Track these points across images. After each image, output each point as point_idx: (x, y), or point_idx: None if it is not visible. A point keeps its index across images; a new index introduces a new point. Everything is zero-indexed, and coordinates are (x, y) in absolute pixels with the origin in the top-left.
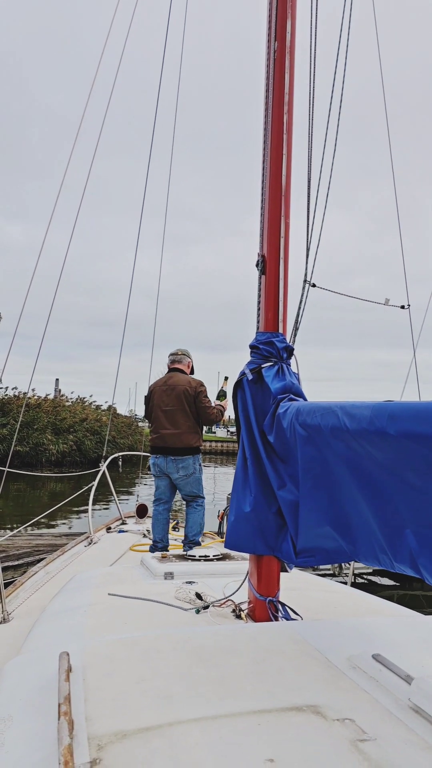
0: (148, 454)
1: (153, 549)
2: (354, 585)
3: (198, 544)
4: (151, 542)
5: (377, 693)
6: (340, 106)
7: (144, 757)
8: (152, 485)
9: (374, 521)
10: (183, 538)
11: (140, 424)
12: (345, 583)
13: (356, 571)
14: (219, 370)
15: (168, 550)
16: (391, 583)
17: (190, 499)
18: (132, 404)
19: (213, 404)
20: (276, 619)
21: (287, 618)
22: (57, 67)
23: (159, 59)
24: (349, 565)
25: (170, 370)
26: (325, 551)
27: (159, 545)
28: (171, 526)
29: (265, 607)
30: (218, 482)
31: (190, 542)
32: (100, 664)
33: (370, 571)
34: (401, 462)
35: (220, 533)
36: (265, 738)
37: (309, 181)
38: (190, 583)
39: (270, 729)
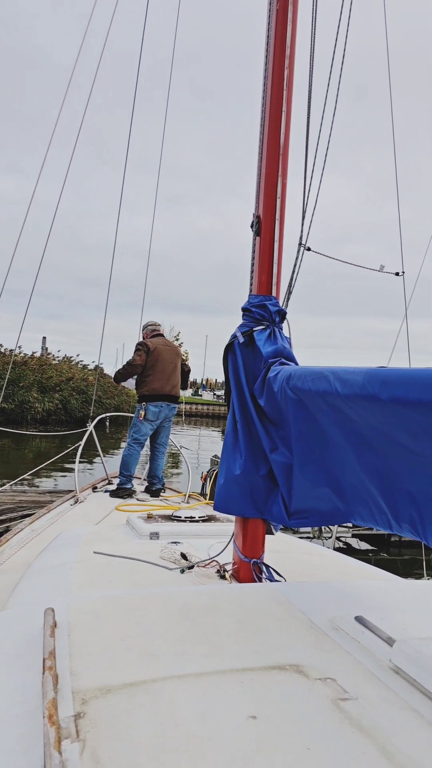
0: (133, 415)
1: (126, 482)
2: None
3: (162, 480)
4: (137, 502)
5: (359, 654)
6: (342, 63)
7: (127, 711)
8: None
9: (371, 483)
10: (150, 477)
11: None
12: (327, 546)
13: (333, 534)
14: (207, 333)
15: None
16: (368, 547)
17: (160, 445)
18: (119, 364)
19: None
20: (260, 580)
21: (271, 579)
22: (55, 11)
23: (157, 10)
24: (330, 528)
25: (157, 335)
26: (319, 512)
27: (131, 479)
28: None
29: (250, 568)
30: (203, 444)
31: (159, 479)
32: (85, 621)
33: (349, 534)
34: (395, 426)
35: (203, 494)
36: (248, 695)
37: (307, 139)
38: (175, 543)
39: (253, 687)
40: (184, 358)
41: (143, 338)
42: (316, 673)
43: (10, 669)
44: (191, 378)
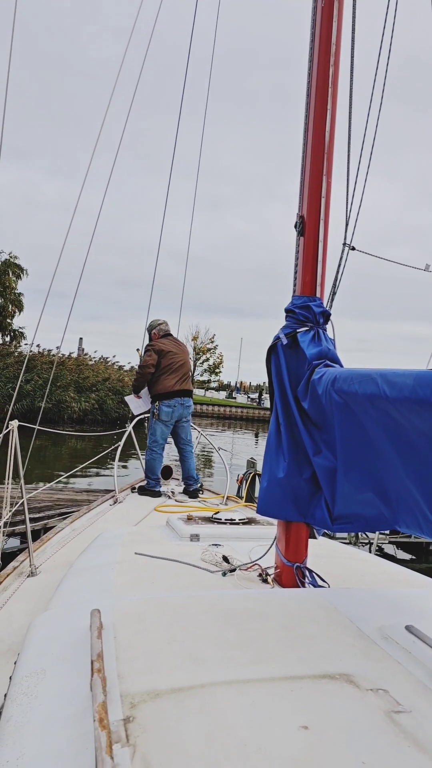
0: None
1: (155, 485)
2: None
3: (198, 480)
4: (175, 503)
5: (410, 665)
6: (387, 62)
7: (177, 717)
8: (173, 445)
9: (417, 490)
10: (185, 479)
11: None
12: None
13: (371, 541)
14: (243, 336)
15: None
16: (405, 555)
17: (186, 445)
18: None
19: None
20: (303, 585)
21: (314, 585)
22: (96, 16)
23: (199, 14)
24: (367, 535)
25: (167, 334)
26: (364, 518)
27: (159, 481)
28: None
29: (293, 572)
30: (236, 446)
31: (195, 480)
32: (131, 623)
33: (386, 541)
34: None
35: (239, 496)
36: (299, 705)
37: (349, 138)
38: (215, 545)
39: (303, 696)
40: (219, 360)
41: (152, 339)
42: (367, 683)
43: (57, 669)
44: (226, 381)
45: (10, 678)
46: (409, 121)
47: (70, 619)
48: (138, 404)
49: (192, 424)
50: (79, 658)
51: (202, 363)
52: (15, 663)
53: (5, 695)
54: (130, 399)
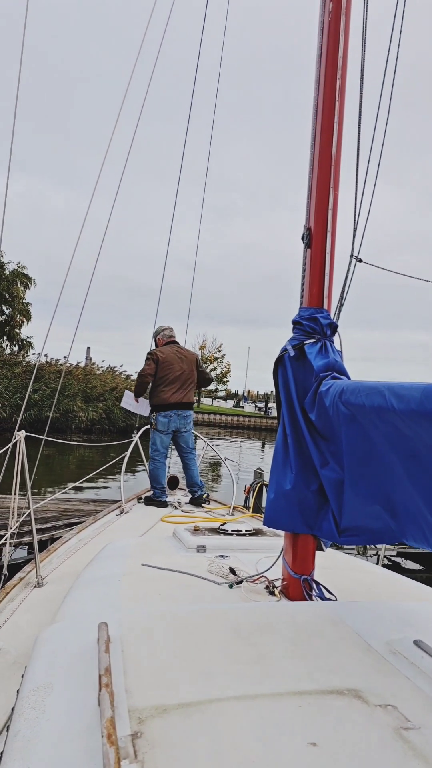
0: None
1: (160, 495)
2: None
3: (202, 486)
4: (182, 513)
5: (419, 680)
6: (394, 73)
7: (185, 733)
8: (178, 457)
9: (424, 503)
10: (189, 486)
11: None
12: (373, 563)
13: (379, 552)
14: (250, 345)
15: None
16: (416, 566)
17: (188, 451)
18: None
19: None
20: (310, 597)
21: (322, 597)
22: (104, 28)
23: (207, 22)
24: (375, 546)
25: (171, 342)
26: (370, 530)
27: (164, 490)
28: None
29: (300, 585)
30: (244, 457)
31: (199, 486)
32: (138, 636)
33: (395, 552)
34: None
35: (246, 506)
36: (307, 720)
37: (358, 148)
38: (222, 557)
39: (311, 711)
40: (226, 369)
41: (156, 345)
42: (375, 699)
43: (64, 683)
44: (233, 390)
45: (18, 692)
46: (416, 127)
47: (78, 632)
48: (131, 403)
49: (198, 433)
50: (86, 672)
51: (210, 372)
52: (22, 676)
53: (12, 709)
54: (127, 393)
